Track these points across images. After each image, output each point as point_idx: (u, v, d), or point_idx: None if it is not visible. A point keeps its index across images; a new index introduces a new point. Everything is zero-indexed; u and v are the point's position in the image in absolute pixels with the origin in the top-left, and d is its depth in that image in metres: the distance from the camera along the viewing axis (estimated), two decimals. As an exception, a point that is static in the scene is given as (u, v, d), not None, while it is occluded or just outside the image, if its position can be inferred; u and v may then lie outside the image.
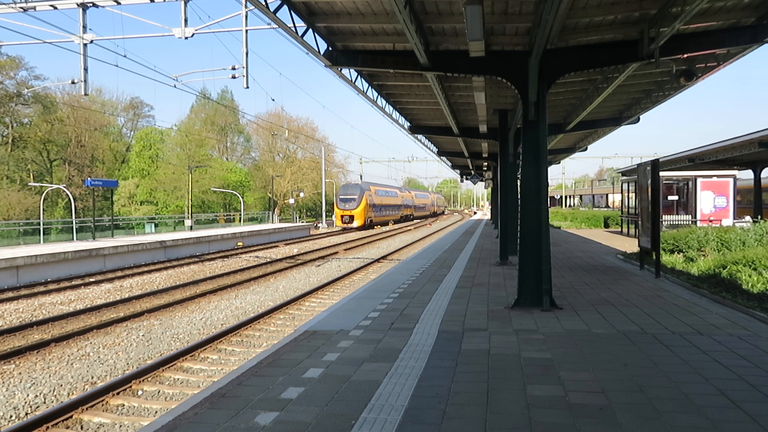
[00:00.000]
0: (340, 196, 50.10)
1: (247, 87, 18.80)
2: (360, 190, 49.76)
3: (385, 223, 57.44)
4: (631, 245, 19.24)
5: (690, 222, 24.56)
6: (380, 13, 8.35)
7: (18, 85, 51.61)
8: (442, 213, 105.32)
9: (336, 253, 26.86)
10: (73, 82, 24.29)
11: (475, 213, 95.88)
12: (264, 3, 7.49)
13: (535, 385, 4.93)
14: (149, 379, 8.06)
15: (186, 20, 17.27)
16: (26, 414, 7.04)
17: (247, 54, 18.37)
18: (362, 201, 48.97)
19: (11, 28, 25.41)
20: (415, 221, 69.50)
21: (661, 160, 17.45)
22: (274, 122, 67.56)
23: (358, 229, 47.92)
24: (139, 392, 7.65)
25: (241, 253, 26.89)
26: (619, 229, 32.87)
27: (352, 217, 48.36)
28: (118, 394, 7.42)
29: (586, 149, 28.91)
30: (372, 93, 13.92)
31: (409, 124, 19.76)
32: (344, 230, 47.44)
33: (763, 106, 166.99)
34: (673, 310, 8.26)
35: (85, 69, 18.43)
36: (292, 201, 62.19)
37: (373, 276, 17.56)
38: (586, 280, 11.61)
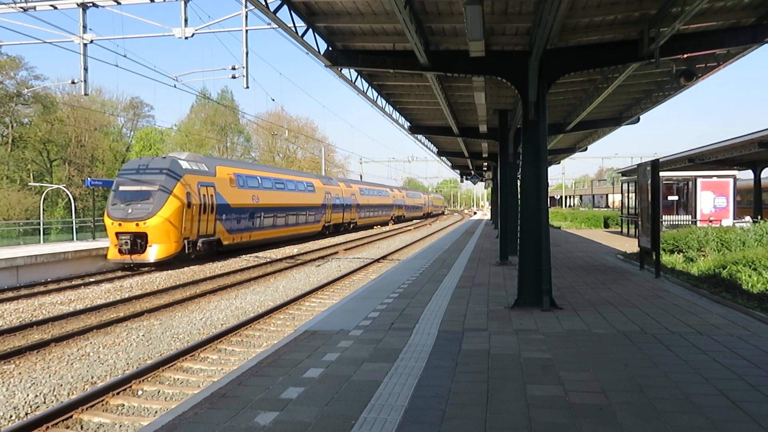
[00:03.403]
0: (120, 188, 21.68)
1: (247, 87, 18.82)
2: (167, 175, 21.50)
3: (276, 243, 30.65)
4: (631, 245, 19.24)
5: (690, 222, 24.57)
6: (380, 13, 8.36)
7: (18, 85, 51.59)
8: (441, 213, 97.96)
9: (336, 253, 26.86)
10: (73, 82, 24.29)
11: (475, 213, 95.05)
12: (264, 3, 7.50)
13: (535, 385, 4.94)
14: (149, 379, 8.06)
15: (186, 20, 17.28)
16: (26, 414, 7.04)
17: (247, 54, 18.37)
18: (170, 199, 21.02)
19: (11, 28, 25.36)
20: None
21: (661, 160, 17.46)
22: (274, 122, 67.56)
23: (157, 264, 20.81)
24: (139, 392, 7.65)
25: (241, 253, 26.88)
26: (619, 229, 32.88)
27: (141, 238, 20.54)
28: (118, 394, 7.42)
29: (586, 149, 28.92)
30: (372, 93, 13.93)
31: (409, 124, 19.77)
32: (131, 270, 20.82)
33: (763, 106, 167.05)
34: (673, 310, 8.26)
35: (85, 69, 18.43)
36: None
37: (373, 276, 17.56)
38: (586, 280, 11.61)
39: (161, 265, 21.02)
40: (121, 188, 21.67)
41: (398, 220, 62.88)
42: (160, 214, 20.68)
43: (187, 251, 21.60)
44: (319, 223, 36.95)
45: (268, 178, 30.21)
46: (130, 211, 20.87)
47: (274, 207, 29.49)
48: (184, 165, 22.56)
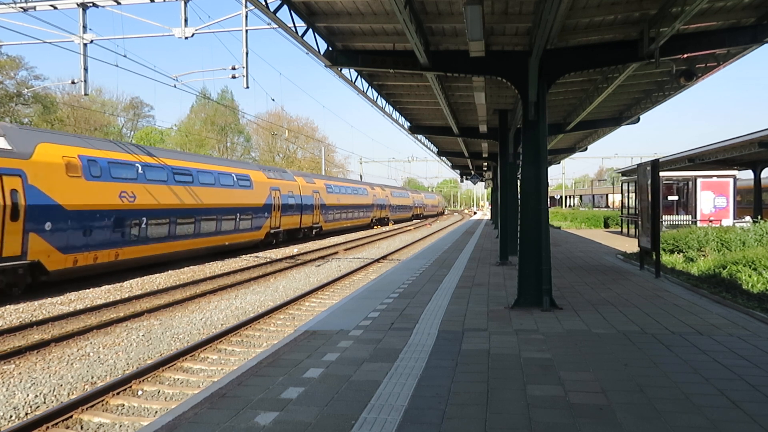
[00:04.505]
0: None
1: (247, 87, 18.82)
2: None
3: (179, 261, 21.14)
4: (631, 245, 19.24)
5: (690, 222, 24.57)
6: (380, 13, 8.36)
7: (18, 85, 51.56)
8: (440, 214, 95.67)
9: (336, 253, 26.85)
10: (73, 82, 24.33)
11: (475, 213, 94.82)
12: (264, 3, 7.50)
13: (535, 385, 4.94)
14: (149, 379, 8.06)
15: (186, 20, 17.28)
16: (26, 414, 7.03)
17: (247, 54, 18.37)
18: None
19: (11, 28, 25.42)
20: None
21: (661, 160, 17.47)
22: (274, 122, 67.62)
23: None
24: (139, 392, 7.65)
25: (241, 254, 26.89)
26: (619, 229, 32.89)
27: None
28: (118, 394, 7.42)
29: (586, 149, 28.91)
30: (372, 93, 13.93)
31: (409, 124, 19.77)
32: None
33: (763, 106, 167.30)
34: (673, 310, 8.26)
35: (85, 69, 18.43)
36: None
37: (373, 276, 17.56)
38: (586, 280, 11.61)
39: None
40: None
41: (380, 222, 53.12)
42: None
43: None
44: (261, 229, 27.49)
45: (160, 166, 19.81)
46: None
47: (169, 209, 19.67)
48: None
